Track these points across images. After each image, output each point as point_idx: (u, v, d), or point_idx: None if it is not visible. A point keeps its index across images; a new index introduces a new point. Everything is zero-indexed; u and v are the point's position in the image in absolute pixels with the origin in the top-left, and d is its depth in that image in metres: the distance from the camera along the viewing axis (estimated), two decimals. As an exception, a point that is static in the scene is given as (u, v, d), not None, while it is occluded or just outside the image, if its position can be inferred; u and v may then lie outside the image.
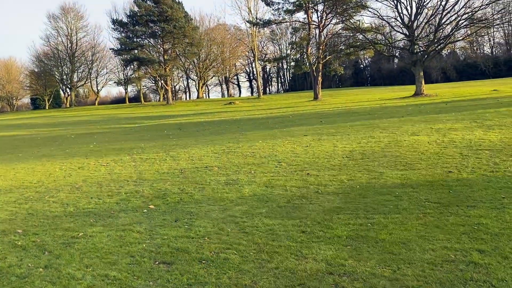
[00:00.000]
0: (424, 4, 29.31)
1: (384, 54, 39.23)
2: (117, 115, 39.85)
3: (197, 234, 5.18)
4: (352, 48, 37.07)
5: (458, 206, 5.11)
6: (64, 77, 63.43)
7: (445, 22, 28.61)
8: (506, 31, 77.90)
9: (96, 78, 66.30)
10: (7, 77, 72.91)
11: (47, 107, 69.54)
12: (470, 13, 28.31)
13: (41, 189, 8.95)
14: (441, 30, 29.03)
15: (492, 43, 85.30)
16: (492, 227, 4.32)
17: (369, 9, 31.35)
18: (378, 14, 30.90)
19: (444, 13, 28.17)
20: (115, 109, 50.75)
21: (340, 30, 37.31)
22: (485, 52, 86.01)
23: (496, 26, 43.53)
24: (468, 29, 31.10)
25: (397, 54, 40.77)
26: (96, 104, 65.16)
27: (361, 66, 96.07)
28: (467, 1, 27.91)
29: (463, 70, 76.95)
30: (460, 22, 27.72)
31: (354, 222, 5.04)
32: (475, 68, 75.34)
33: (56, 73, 63.46)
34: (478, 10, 28.56)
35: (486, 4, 28.57)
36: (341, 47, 36.66)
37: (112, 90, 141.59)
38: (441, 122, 13.77)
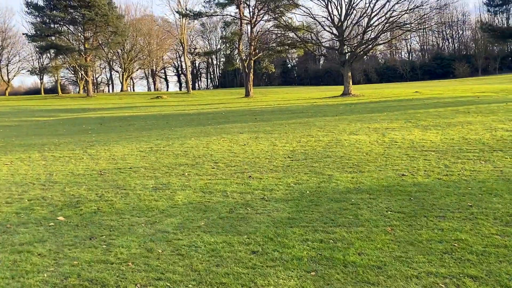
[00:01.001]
0: (353, 5, 29.92)
1: (314, 53, 39.68)
2: (30, 107, 36.07)
3: (118, 257, 4.06)
4: (283, 46, 37.00)
5: (426, 217, 4.53)
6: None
7: (372, 24, 29.42)
8: (421, 37, 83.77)
9: (7, 66, 59.99)
10: None
11: None
12: (396, 17, 29.44)
13: None
14: (369, 32, 29.83)
15: (409, 48, 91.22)
16: (474, 243, 3.75)
17: (301, 8, 31.38)
18: (310, 13, 31.02)
19: (372, 15, 28.95)
20: (29, 100, 46.14)
21: (272, 28, 37.06)
22: (403, 57, 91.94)
23: (414, 32, 46.15)
24: (391, 32, 32.34)
25: (325, 54, 41.43)
26: (7, 94, 58.96)
27: (289, 65, 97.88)
28: (393, 5, 28.94)
29: (383, 73, 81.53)
30: (386, 25, 28.64)
31: (312, 237, 4.24)
32: (394, 71, 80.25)
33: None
34: (401, 15, 29.82)
35: (409, 10, 29.89)
36: (272, 44, 36.41)
37: (27, 80, 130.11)
38: (376, 122, 13.67)
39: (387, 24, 28.60)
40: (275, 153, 9.16)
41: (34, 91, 70.87)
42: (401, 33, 34.00)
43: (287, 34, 34.75)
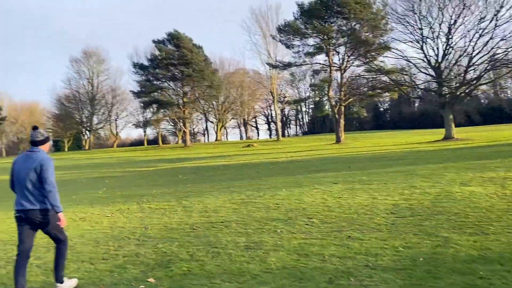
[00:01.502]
0: (452, 45, 28.21)
1: (410, 96, 37.90)
2: (133, 157, 39.04)
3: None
4: (375, 90, 35.94)
5: None
6: (84, 119, 63.89)
7: (475, 63, 27.30)
8: (531, 74, 76.18)
9: (116, 120, 66.68)
10: (30, 119, 74.14)
11: (66, 149, 69.83)
12: (501, 54, 27.04)
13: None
14: (472, 71, 27.70)
15: (498, 89, 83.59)
16: None
17: (393, 51, 30.42)
18: (403, 56, 29.90)
19: (474, 54, 26.93)
20: (133, 151, 50.17)
21: (363, 72, 36.39)
22: (508, 96, 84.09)
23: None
24: (495, 71, 29.71)
25: (422, 96, 39.31)
26: (115, 146, 65.03)
27: (381, 109, 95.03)
28: (497, 43, 26.71)
29: (487, 114, 75.05)
30: (490, 63, 26.37)
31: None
32: (500, 112, 73.31)
33: (77, 115, 64.08)
34: (507, 52, 27.30)
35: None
36: (363, 89, 35.58)
37: (133, 133, 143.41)
38: (490, 170, 12.06)
39: (492, 63, 26.32)
40: (376, 208, 8.31)
41: (138, 143, 77.35)
42: (507, 71, 31.09)
43: (379, 78, 33.79)
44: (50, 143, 5.19)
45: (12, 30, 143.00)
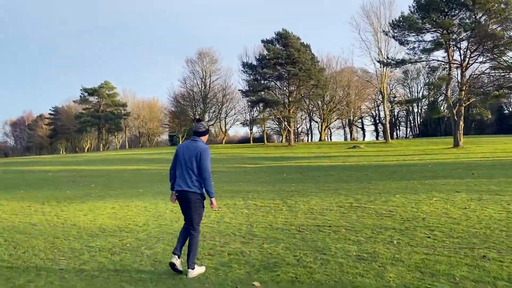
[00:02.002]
0: None
1: (550, 96, 32.95)
2: (240, 154, 40.19)
3: None
4: (502, 90, 31.91)
5: None
6: (197, 116, 67.83)
7: None
8: None
9: (225, 118, 69.55)
10: (150, 115, 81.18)
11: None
12: None
13: (143, 235, 7.87)
14: None
15: None
16: None
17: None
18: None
19: None
20: (240, 148, 51.80)
21: (488, 70, 32.55)
22: None
23: None
24: None
25: None
26: (223, 143, 67.95)
27: (506, 111, 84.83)
28: None
29: None
30: None
31: None
32: None
33: (190, 112, 68.27)
34: None
35: None
36: (488, 88, 31.80)
37: (240, 130, 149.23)
38: None
39: None
40: (514, 224, 7.05)
41: (244, 140, 79.91)
42: None
43: (507, 75, 29.90)
44: (208, 135, 5.70)
45: (144, 34, 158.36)
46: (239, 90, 54.73)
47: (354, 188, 12.93)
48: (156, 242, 7.28)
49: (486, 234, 6.53)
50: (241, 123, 67.39)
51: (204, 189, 5.40)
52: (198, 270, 5.39)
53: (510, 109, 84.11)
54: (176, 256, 5.37)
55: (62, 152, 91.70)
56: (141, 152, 53.28)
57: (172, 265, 5.30)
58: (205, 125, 5.64)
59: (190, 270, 5.31)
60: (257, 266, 5.59)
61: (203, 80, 65.97)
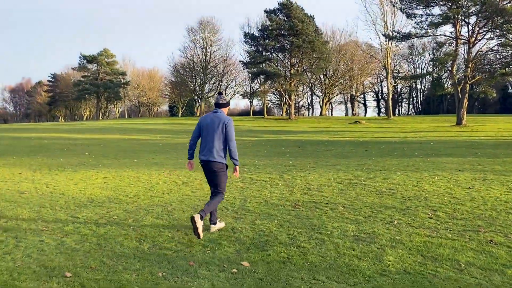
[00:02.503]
0: None
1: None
2: (239, 126, 39.69)
3: None
4: (510, 68, 31.12)
5: None
6: (197, 87, 66.88)
7: None
8: None
9: (225, 90, 68.59)
10: (149, 85, 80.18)
11: (179, 115, 74.32)
12: None
13: (132, 207, 7.54)
14: None
15: None
16: None
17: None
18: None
19: None
20: (239, 120, 51.27)
21: (496, 47, 31.66)
22: None
23: None
24: None
25: None
26: (223, 115, 67.36)
27: (510, 91, 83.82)
28: None
29: None
30: None
31: None
32: None
33: (190, 83, 67.27)
34: None
35: None
36: (496, 65, 31.01)
37: (240, 103, 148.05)
38: None
39: None
40: (521, 206, 6.69)
41: (244, 113, 79.22)
42: None
43: (516, 53, 29.10)
44: (228, 107, 5.95)
45: (142, 4, 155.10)
46: (240, 62, 53.67)
47: (354, 164, 12.56)
48: (145, 215, 6.95)
49: (492, 216, 6.17)
50: (241, 95, 66.41)
51: (227, 159, 5.71)
52: (219, 225, 5.91)
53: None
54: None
55: (61, 119, 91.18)
56: (140, 122, 52.77)
57: (192, 219, 5.37)
58: (226, 97, 5.87)
59: (212, 225, 5.83)
60: (247, 244, 5.25)
61: (204, 50, 64.65)
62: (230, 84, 68.45)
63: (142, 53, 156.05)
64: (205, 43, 64.30)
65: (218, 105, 5.74)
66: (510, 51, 29.72)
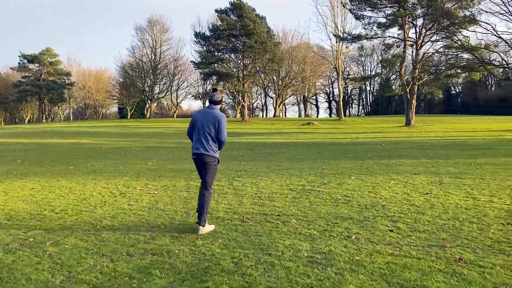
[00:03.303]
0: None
1: (499, 77, 33.64)
2: (190, 129, 38.52)
3: None
4: (454, 69, 32.14)
5: None
6: (147, 88, 64.61)
7: None
8: None
9: (177, 91, 66.84)
10: (96, 86, 76.70)
11: (128, 117, 71.57)
12: None
13: (55, 226, 6.45)
14: None
15: None
16: None
17: (482, 24, 26.57)
18: (493, 30, 26.04)
19: None
20: (191, 122, 49.95)
21: (442, 48, 32.59)
22: None
23: None
24: None
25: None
26: (174, 116, 65.47)
27: (453, 92, 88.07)
28: None
29: None
30: None
31: None
32: None
33: (139, 84, 64.90)
34: None
35: None
36: (441, 67, 31.91)
37: (194, 104, 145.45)
38: None
39: None
40: (483, 214, 6.27)
41: (197, 114, 77.64)
42: None
43: (460, 55, 30.05)
44: (222, 104, 6.40)
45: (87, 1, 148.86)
46: (191, 62, 52.30)
47: (307, 168, 11.98)
48: (68, 235, 5.90)
49: (456, 227, 5.67)
50: (192, 96, 64.76)
51: (218, 153, 5.93)
52: (208, 228, 5.85)
53: (458, 90, 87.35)
54: (200, 225, 5.84)
55: (1, 123, 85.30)
56: (86, 124, 50.08)
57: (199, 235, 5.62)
58: (220, 95, 6.08)
59: (200, 227, 5.76)
60: (183, 273, 4.38)
61: (153, 49, 62.53)
62: (181, 84, 66.76)
63: (88, 53, 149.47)
64: (154, 42, 62.24)
65: (213, 102, 5.97)
66: (454, 53, 30.65)
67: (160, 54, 63.17)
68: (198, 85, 64.53)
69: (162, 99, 66.11)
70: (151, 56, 62.92)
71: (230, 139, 27.61)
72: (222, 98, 6.21)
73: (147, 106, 68.35)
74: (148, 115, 65.90)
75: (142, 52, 63.44)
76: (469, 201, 7.10)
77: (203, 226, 5.78)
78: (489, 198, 7.21)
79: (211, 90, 6.26)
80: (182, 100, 70.75)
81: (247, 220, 6.49)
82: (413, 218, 6.18)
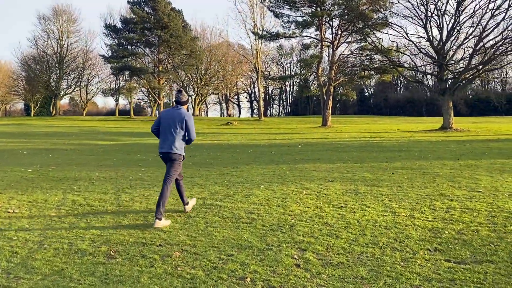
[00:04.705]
0: (460, 22, 25.15)
1: (409, 79, 34.99)
2: (98, 128, 35.27)
3: None
4: (368, 71, 32.82)
5: None
6: (52, 83, 58.85)
7: (484, 45, 24.42)
8: (521, 67, 74.41)
9: (86, 86, 61.80)
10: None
11: (32, 114, 64.94)
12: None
13: None
14: (482, 54, 24.83)
15: (503, 78, 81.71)
16: None
17: (393, 27, 27.19)
18: (404, 33, 26.74)
19: (484, 34, 23.99)
20: (101, 121, 46.19)
21: (357, 50, 33.12)
22: (495, 88, 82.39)
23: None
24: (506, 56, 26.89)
25: (420, 80, 36.22)
26: (84, 114, 60.48)
27: (366, 94, 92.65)
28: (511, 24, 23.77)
29: (474, 105, 73.50)
30: (504, 46, 23.46)
31: None
32: (487, 104, 71.78)
33: (44, 78, 58.90)
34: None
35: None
36: (356, 68, 32.39)
37: (110, 101, 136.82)
38: (531, 174, 9.23)
39: (504, 46, 23.43)
40: (404, 235, 5.27)
41: (111, 112, 72.73)
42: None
43: (374, 57, 30.67)
44: (189, 104, 7.10)
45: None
46: (100, 55, 48.37)
47: (214, 175, 10.54)
48: None
49: (376, 257, 4.55)
50: (101, 93, 59.86)
51: (184, 151, 6.22)
52: (164, 222, 5.89)
53: (370, 91, 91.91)
54: (184, 206, 6.62)
55: None
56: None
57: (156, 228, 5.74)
58: (186, 95, 6.30)
59: (156, 220, 5.82)
60: None
61: (60, 41, 57.09)
62: (92, 80, 61.82)
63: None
64: (60, 33, 56.79)
65: (179, 103, 6.19)
66: (368, 55, 31.24)
67: (68, 46, 57.88)
68: (110, 81, 60.20)
69: (70, 95, 60.68)
70: (57, 48, 57.38)
71: (139, 140, 25.36)
72: (188, 99, 6.41)
73: (52, 102, 62.42)
74: (54, 113, 60.13)
75: (46, 43, 57.64)
76: (388, 216, 6.13)
77: (159, 219, 5.84)
78: (410, 212, 6.31)
79: (177, 91, 6.37)
80: (92, 96, 65.58)
81: (115, 254, 4.86)
82: (326, 244, 4.98)
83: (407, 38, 26.37)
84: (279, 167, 11.82)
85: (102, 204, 7.59)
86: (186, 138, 6.18)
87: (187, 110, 6.32)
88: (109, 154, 17.07)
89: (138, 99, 70.58)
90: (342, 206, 6.81)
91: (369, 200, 7.18)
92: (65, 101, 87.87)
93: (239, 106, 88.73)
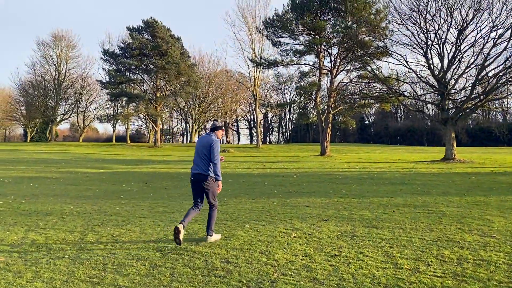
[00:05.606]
0: (462, 51, 24.61)
1: (409, 108, 34.34)
2: (90, 155, 34.38)
3: None
4: (367, 99, 32.20)
5: None
6: (49, 109, 58.34)
7: (487, 73, 23.81)
8: (523, 97, 74.02)
9: (84, 112, 61.31)
10: (-8, 105, 68.22)
11: (28, 140, 64.21)
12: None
13: None
14: (484, 83, 24.18)
15: (505, 107, 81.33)
16: None
17: (394, 55, 26.67)
18: (404, 61, 26.21)
19: (486, 64, 23.40)
20: (96, 147, 45.35)
21: (356, 78, 32.60)
22: (496, 118, 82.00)
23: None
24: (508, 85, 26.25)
25: (421, 109, 35.54)
26: (80, 140, 59.72)
27: (366, 122, 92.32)
28: (513, 53, 23.22)
29: (475, 135, 72.86)
30: (507, 75, 22.83)
31: None
32: (489, 134, 71.10)
33: (42, 103, 58.44)
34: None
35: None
36: (355, 96, 31.78)
37: (110, 127, 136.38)
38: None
39: (507, 75, 22.80)
40: (410, 299, 4.27)
41: (109, 139, 72.04)
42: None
43: (373, 85, 30.09)
44: (222, 130, 7.07)
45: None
46: (97, 81, 47.97)
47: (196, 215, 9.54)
48: None
49: (374, 333, 3.55)
50: (97, 119, 59.04)
51: (213, 173, 6.58)
52: (215, 237, 6.72)
53: (371, 120, 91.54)
54: (182, 225, 6.34)
55: None
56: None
57: (176, 229, 6.25)
58: (219, 123, 6.98)
59: (208, 236, 6.65)
60: None
61: (58, 67, 56.91)
62: (89, 106, 61.31)
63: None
64: (59, 59, 56.70)
65: (211, 129, 6.87)
66: (368, 83, 30.69)
67: (66, 72, 57.68)
68: (108, 107, 59.69)
69: (68, 120, 60.06)
70: (55, 74, 57.16)
71: (131, 168, 24.45)
72: (221, 125, 6.98)
73: (49, 128, 61.74)
74: (49, 138, 59.38)
75: (44, 69, 57.46)
76: (389, 270, 5.14)
77: (211, 235, 6.62)
78: (414, 264, 5.32)
79: (213, 120, 7.32)
80: (90, 122, 64.94)
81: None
82: (312, 313, 3.98)
83: (407, 66, 25.83)
84: (269, 201, 10.85)
85: (63, 246, 6.62)
86: (212, 163, 6.53)
87: (218, 136, 6.77)
88: (93, 184, 16.11)
89: (138, 126, 70.08)
90: (335, 255, 5.83)
91: (367, 247, 6.20)
92: (65, 126, 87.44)
93: (238, 133, 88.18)
